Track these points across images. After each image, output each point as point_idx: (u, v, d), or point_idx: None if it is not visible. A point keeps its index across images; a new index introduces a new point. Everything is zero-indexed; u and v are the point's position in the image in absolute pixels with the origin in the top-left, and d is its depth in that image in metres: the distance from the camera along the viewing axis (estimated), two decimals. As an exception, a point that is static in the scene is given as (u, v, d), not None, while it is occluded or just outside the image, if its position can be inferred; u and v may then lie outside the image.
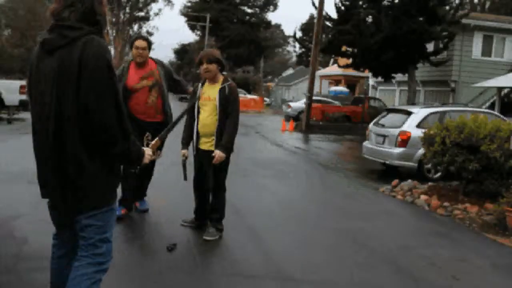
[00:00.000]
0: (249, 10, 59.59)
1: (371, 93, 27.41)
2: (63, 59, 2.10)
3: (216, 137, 4.44)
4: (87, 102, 2.07)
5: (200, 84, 4.64)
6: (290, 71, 59.46)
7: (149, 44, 4.95)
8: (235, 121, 4.45)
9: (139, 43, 4.87)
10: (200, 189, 4.76)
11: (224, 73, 4.63)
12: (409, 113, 9.27)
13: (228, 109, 4.42)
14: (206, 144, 4.52)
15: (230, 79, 4.59)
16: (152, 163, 4.91)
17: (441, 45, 18.66)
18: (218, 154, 4.34)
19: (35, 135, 2.27)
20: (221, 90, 4.43)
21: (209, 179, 4.57)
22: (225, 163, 4.49)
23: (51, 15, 2.19)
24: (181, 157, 4.63)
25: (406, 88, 20.13)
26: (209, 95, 4.49)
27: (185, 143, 4.66)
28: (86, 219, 2.28)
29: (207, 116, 4.48)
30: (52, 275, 2.52)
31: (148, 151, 2.43)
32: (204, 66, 4.41)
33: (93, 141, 2.13)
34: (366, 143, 10.09)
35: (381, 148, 9.36)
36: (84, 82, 2.07)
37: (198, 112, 4.55)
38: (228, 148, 4.41)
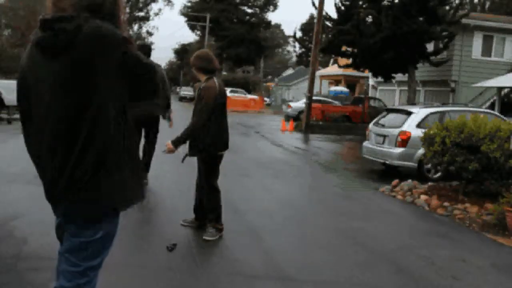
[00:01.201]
0: (249, 10, 59.61)
1: (371, 93, 27.40)
2: (65, 58, 1.78)
3: (201, 138, 4.57)
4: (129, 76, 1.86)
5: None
6: (290, 71, 59.49)
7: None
8: (198, 118, 4.46)
9: None
10: (198, 187, 4.81)
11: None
12: (409, 113, 9.27)
13: (196, 109, 4.55)
14: None
15: (210, 80, 4.56)
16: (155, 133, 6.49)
17: (441, 45, 18.66)
18: (168, 144, 4.43)
19: (36, 138, 1.96)
20: (199, 90, 4.61)
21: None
22: (212, 164, 4.56)
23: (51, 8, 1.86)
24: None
25: (406, 88, 20.12)
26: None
27: None
28: (82, 239, 1.93)
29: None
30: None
31: None
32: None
33: (102, 137, 1.84)
34: (366, 143, 10.09)
35: (381, 148, 9.36)
36: (97, 73, 1.78)
37: None
38: (179, 141, 4.45)
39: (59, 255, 2.04)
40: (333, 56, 30.69)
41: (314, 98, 20.86)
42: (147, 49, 7.28)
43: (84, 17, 1.78)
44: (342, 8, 19.60)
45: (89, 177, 1.85)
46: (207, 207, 4.67)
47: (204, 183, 4.63)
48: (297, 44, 61.23)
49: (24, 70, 1.92)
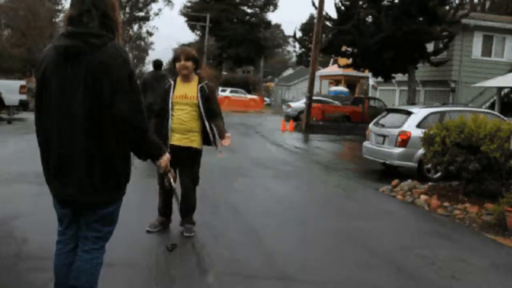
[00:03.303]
0: (249, 10, 59.58)
1: (371, 93, 27.39)
2: (90, 64, 2.23)
3: (202, 134, 4.57)
4: (114, 102, 2.23)
5: (172, 82, 4.64)
6: (290, 71, 59.48)
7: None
8: (222, 116, 4.69)
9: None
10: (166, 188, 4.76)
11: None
12: (409, 113, 9.27)
13: (211, 107, 4.58)
14: (183, 140, 4.53)
15: (206, 78, 4.69)
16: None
17: (441, 45, 18.64)
18: (228, 135, 4.59)
19: (51, 135, 2.34)
20: (201, 89, 4.53)
21: (186, 175, 4.63)
22: (200, 156, 4.68)
23: (68, 21, 2.31)
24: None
25: (406, 88, 20.11)
26: (186, 92, 4.53)
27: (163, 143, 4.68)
28: (103, 211, 2.45)
29: (184, 113, 4.52)
30: (59, 272, 2.55)
31: (167, 156, 2.60)
32: (182, 62, 4.48)
33: (119, 135, 2.30)
34: (366, 143, 10.09)
35: (381, 148, 9.36)
36: (111, 84, 2.23)
37: (171, 109, 4.55)
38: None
39: (59, 235, 2.58)
40: (333, 56, 30.64)
41: (314, 98, 20.86)
42: (157, 63, 8.84)
43: (110, 37, 2.29)
44: (342, 8, 19.57)
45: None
46: (191, 204, 4.70)
47: (191, 181, 4.63)
48: (297, 44, 61.11)
49: (46, 74, 2.32)
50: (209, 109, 4.55)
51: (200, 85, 4.54)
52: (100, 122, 2.27)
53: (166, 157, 2.58)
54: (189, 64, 4.48)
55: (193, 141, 4.55)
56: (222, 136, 4.60)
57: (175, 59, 4.55)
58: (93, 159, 2.31)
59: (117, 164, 2.37)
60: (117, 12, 2.42)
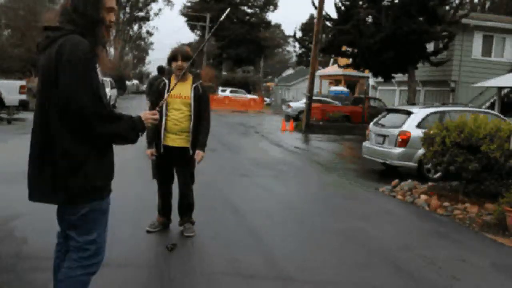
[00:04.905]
0: (249, 10, 59.56)
1: (371, 93, 27.37)
2: (47, 57, 2.24)
3: (191, 134, 4.51)
4: (64, 91, 2.15)
5: (167, 81, 4.58)
6: (290, 71, 59.48)
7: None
8: (209, 120, 4.62)
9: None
10: (166, 185, 4.75)
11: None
12: (409, 113, 9.28)
13: (202, 108, 4.54)
14: (177, 141, 4.51)
15: (204, 78, 4.64)
16: None
17: (441, 45, 18.66)
18: (201, 154, 4.52)
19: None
20: (195, 89, 4.51)
21: (182, 174, 4.64)
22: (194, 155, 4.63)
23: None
24: (150, 157, 4.56)
25: (406, 88, 20.12)
26: (180, 92, 4.49)
27: (151, 142, 4.55)
28: (71, 217, 2.28)
29: (179, 113, 4.49)
30: (57, 274, 2.51)
31: (147, 114, 2.51)
32: (179, 63, 4.42)
33: (76, 127, 2.18)
34: (366, 143, 10.09)
35: (381, 148, 9.36)
36: (61, 73, 2.16)
37: (166, 109, 4.48)
38: (205, 146, 4.58)
39: (58, 237, 2.50)
40: (333, 56, 30.65)
41: (314, 98, 20.85)
42: (160, 68, 9.98)
43: (67, 30, 2.23)
44: (342, 8, 19.58)
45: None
46: (190, 205, 4.72)
47: (191, 176, 4.67)
48: (297, 44, 61.12)
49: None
50: (198, 109, 4.51)
51: (194, 85, 4.52)
52: (57, 115, 2.18)
53: (149, 119, 2.49)
54: (186, 64, 4.41)
55: (188, 141, 4.54)
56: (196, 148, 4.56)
57: (172, 58, 4.48)
58: (46, 156, 2.21)
59: (75, 162, 2.19)
60: (101, 9, 2.29)
